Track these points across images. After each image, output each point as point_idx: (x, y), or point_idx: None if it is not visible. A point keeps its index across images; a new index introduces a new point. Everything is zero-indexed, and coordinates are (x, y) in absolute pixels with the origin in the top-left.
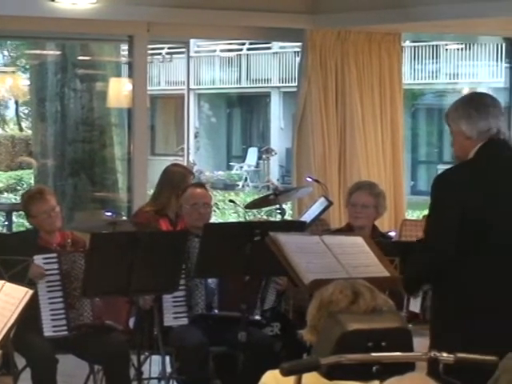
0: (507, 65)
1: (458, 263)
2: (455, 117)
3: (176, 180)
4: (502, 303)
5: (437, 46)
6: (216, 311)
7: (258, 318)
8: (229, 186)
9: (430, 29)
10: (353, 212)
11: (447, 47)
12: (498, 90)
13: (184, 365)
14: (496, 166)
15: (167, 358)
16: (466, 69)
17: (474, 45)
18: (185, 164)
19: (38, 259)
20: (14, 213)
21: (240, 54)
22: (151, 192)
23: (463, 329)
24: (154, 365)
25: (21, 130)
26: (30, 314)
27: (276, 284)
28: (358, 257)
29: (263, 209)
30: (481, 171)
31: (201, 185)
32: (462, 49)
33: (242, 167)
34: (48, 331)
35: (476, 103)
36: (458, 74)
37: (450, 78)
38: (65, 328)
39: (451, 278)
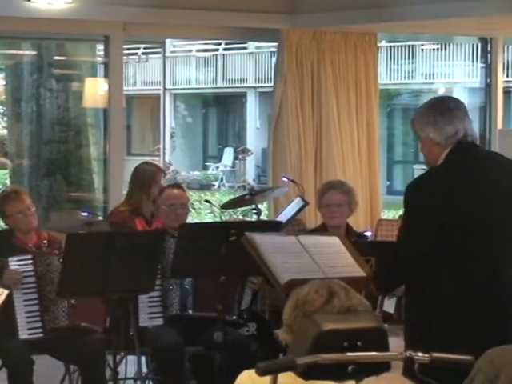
0: (482, 65)
1: (432, 265)
2: (421, 124)
3: (147, 178)
4: (476, 304)
5: (412, 46)
6: (190, 312)
7: (234, 318)
8: (205, 186)
9: (406, 29)
10: (327, 212)
11: (423, 47)
12: (473, 90)
13: (160, 365)
14: (466, 170)
15: (143, 359)
16: (442, 69)
17: (449, 45)
18: (161, 164)
19: (13, 261)
20: None
21: (216, 54)
22: None
23: (438, 329)
24: (130, 365)
25: None
26: (5, 316)
27: (251, 283)
28: (334, 257)
29: (239, 209)
30: (452, 176)
31: (178, 186)
32: (437, 49)
33: (217, 167)
34: (23, 334)
35: (440, 108)
36: (433, 74)
37: (425, 78)
38: (40, 331)
39: (425, 280)
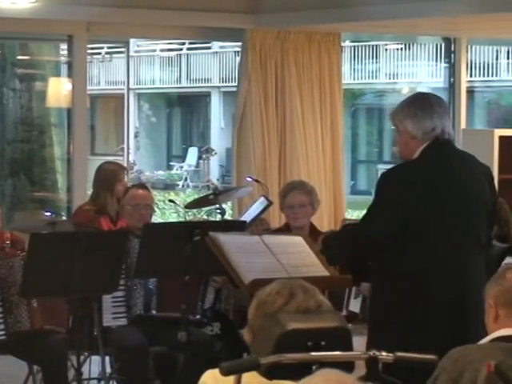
0: (446, 65)
1: (397, 262)
2: (401, 116)
3: (109, 177)
4: (441, 302)
5: (376, 45)
6: (154, 312)
7: (198, 317)
8: (169, 186)
9: (370, 29)
10: (291, 213)
11: (387, 47)
12: (437, 90)
13: (123, 365)
14: (440, 166)
15: (107, 359)
16: (406, 69)
17: (413, 45)
18: (125, 164)
19: None
20: None
21: (180, 54)
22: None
23: (401, 328)
24: (94, 365)
25: None
26: None
27: (213, 282)
28: (298, 256)
29: (203, 209)
30: (425, 171)
31: (142, 186)
32: (401, 49)
33: (182, 167)
34: None
35: (421, 103)
36: (397, 74)
37: (389, 78)
38: (3, 333)
39: (390, 278)
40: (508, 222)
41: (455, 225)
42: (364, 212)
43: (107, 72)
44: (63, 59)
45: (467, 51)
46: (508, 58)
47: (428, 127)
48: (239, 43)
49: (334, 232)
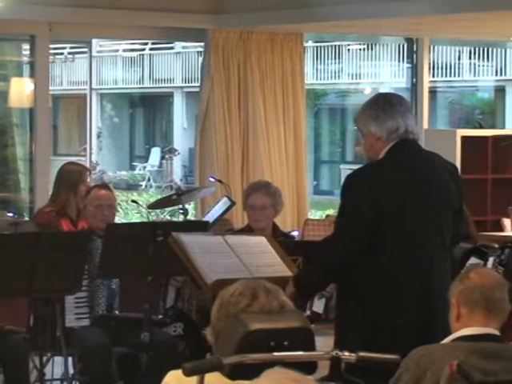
0: (409, 65)
1: (366, 262)
2: (364, 119)
3: (72, 178)
4: (407, 301)
5: (339, 46)
6: (116, 312)
7: (160, 317)
8: (132, 186)
9: (333, 29)
10: (252, 215)
11: (349, 47)
12: (399, 90)
13: (86, 366)
14: (405, 165)
15: (70, 359)
16: (368, 69)
17: (375, 45)
18: (87, 164)
19: None
20: None
21: (142, 54)
22: None
23: (368, 328)
24: (57, 366)
25: None
26: None
27: (173, 281)
28: (261, 256)
29: (166, 209)
30: (389, 170)
31: (105, 186)
32: (364, 49)
33: (144, 167)
34: None
35: (383, 103)
36: (360, 74)
37: (352, 78)
38: None
39: (356, 277)
40: (466, 221)
41: (420, 224)
42: (327, 212)
43: (70, 72)
44: (25, 59)
45: (429, 51)
46: (470, 59)
47: (391, 127)
48: (202, 43)
49: (302, 270)
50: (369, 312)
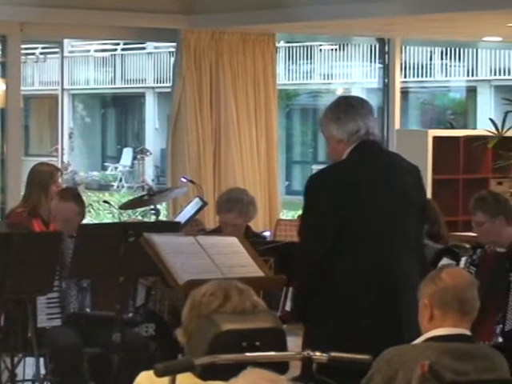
0: (380, 65)
1: (331, 262)
2: (325, 122)
3: (44, 179)
4: (372, 302)
5: (311, 46)
6: (88, 310)
7: (131, 315)
8: (103, 187)
9: (304, 29)
10: (224, 228)
11: (321, 48)
12: (371, 91)
13: (58, 366)
14: (365, 167)
15: (41, 360)
16: (340, 69)
17: (347, 45)
18: (59, 164)
19: None
20: None
21: (114, 54)
22: None
23: (334, 328)
24: (28, 367)
25: None
26: None
27: (143, 280)
28: (233, 257)
29: (138, 209)
30: (350, 172)
31: (66, 196)
32: (336, 49)
33: (116, 168)
34: None
35: (343, 106)
36: (332, 75)
37: (324, 79)
38: None
39: (324, 277)
40: (437, 221)
41: (383, 224)
42: (299, 212)
43: (41, 72)
44: None
45: (401, 52)
46: (442, 59)
47: (352, 129)
48: (174, 44)
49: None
50: (335, 312)
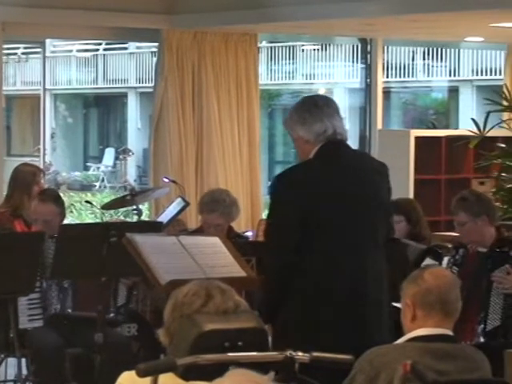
0: (362, 65)
1: (298, 263)
2: (291, 123)
3: (26, 180)
4: (340, 301)
5: (293, 46)
6: (69, 311)
7: (112, 315)
8: (85, 187)
9: (287, 29)
10: (206, 227)
11: (303, 48)
12: (353, 91)
13: (39, 367)
14: (331, 166)
15: (23, 361)
16: (322, 69)
17: (330, 45)
18: (41, 165)
19: None
20: None
21: (96, 54)
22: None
23: (300, 327)
24: (10, 367)
25: None
26: None
27: (124, 279)
28: (215, 257)
29: (120, 209)
30: (318, 171)
31: (46, 198)
32: (318, 49)
33: (98, 168)
34: None
35: (309, 106)
36: (314, 75)
37: (306, 79)
38: None
39: (293, 278)
40: (419, 222)
41: (350, 224)
42: None
43: (23, 72)
44: None
45: (383, 52)
46: (424, 59)
47: (319, 129)
48: (156, 44)
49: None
50: (303, 312)
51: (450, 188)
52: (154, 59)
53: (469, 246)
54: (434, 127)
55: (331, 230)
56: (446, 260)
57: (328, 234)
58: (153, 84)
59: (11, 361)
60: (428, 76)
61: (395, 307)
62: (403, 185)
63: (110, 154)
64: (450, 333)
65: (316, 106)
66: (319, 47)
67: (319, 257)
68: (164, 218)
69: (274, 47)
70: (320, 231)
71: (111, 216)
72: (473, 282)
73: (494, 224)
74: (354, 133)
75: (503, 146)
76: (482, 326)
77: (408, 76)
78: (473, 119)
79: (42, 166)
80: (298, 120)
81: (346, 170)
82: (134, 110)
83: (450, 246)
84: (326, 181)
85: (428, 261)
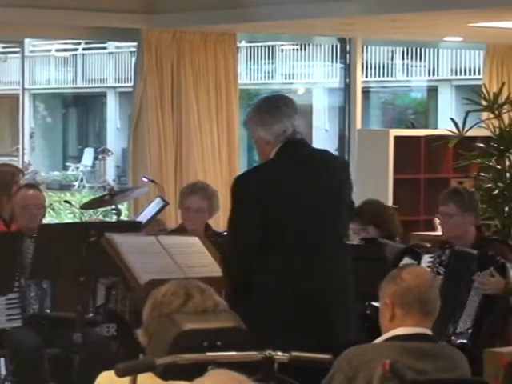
0: (342, 65)
1: (259, 262)
2: (252, 124)
3: (6, 180)
4: (302, 301)
5: (272, 46)
6: (48, 311)
7: (91, 315)
8: (65, 187)
9: (266, 29)
10: (186, 216)
11: (283, 47)
12: (332, 90)
13: (18, 367)
14: (290, 165)
15: (2, 361)
16: (302, 69)
17: (309, 45)
18: (20, 164)
19: None
20: None
21: (75, 54)
22: None
23: (261, 326)
24: None
25: None
26: None
27: (102, 279)
28: (194, 257)
29: (99, 209)
30: (278, 171)
31: (33, 186)
32: (297, 49)
33: (78, 167)
34: None
35: (268, 107)
36: (293, 75)
37: (285, 78)
38: None
39: (253, 277)
40: (386, 222)
41: (312, 223)
42: None
43: (2, 72)
44: None
45: (362, 52)
46: (403, 59)
47: (279, 130)
48: (135, 43)
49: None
50: (265, 312)
51: (429, 188)
52: (133, 59)
53: (456, 247)
54: (413, 127)
55: (293, 230)
56: (426, 258)
57: (290, 234)
58: (132, 84)
59: None
60: (407, 76)
61: (375, 307)
62: (382, 184)
63: (89, 153)
64: (428, 332)
65: (276, 107)
66: (298, 47)
67: (282, 257)
68: (143, 217)
69: (254, 47)
70: (281, 231)
71: (90, 216)
72: (455, 282)
73: (477, 224)
74: (334, 132)
75: (482, 145)
76: (453, 326)
77: (387, 76)
78: (452, 119)
79: (20, 166)
80: (258, 121)
81: (306, 169)
82: (113, 110)
83: (428, 245)
84: (285, 181)
85: (406, 260)
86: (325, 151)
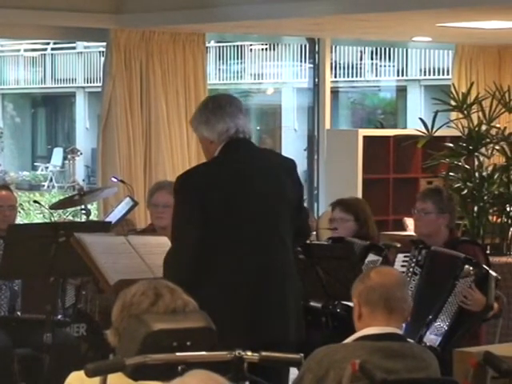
0: (311, 65)
1: (207, 260)
2: (196, 124)
3: None
4: (245, 301)
5: (241, 46)
6: (19, 313)
7: (60, 316)
8: (34, 187)
9: (234, 29)
10: (155, 212)
11: (251, 47)
12: (302, 90)
13: None
14: (232, 165)
15: None
16: (271, 69)
17: (278, 45)
18: None
19: None
20: None
21: (44, 54)
22: None
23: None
24: None
25: None
26: None
27: (72, 279)
28: (164, 257)
29: (68, 209)
30: (219, 170)
31: (5, 187)
32: (266, 49)
33: (47, 167)
34: None
35: (212, 107)
36: (262, 75)
37: (254, 78)
38: None
39: (198, 277)
40: (367, 223)
41: (253, 223)
42: None
43: None
44: None
45: (331, 52)
46: (372, 59)
47: (222, 129)
48: (103, 43)
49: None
50: (209, 312)
51: (398, 188)
52: (102, 59)
53: (433, 247)
54: (382, 127)
55: (233, 230)
56: (400, 257)
57: (230, 233)
58: (101, 84)
59: None
60: (376, 76)
61: (346, 305)
62: (351, 184)
63: (58, 153)
64: (398, 331)
65: (219, 107)
66: (267, 47)
67: (224, 256)
68: (113, 217)
69: (222, 47)
70: (222, 230)
71: (60, 216)
72: (433, 282)
73: (451, 226)
74: (303, 132)
75: (451, 145)
76: (426, 327)
77: (356, 76)
78: (421, 119)
79: None
80: (202, 121)
81: (248, 168)
82: (82, 110)
83: (398, 245)
84: (226, 180)
85: (371, 257)
86: (269, 151)
